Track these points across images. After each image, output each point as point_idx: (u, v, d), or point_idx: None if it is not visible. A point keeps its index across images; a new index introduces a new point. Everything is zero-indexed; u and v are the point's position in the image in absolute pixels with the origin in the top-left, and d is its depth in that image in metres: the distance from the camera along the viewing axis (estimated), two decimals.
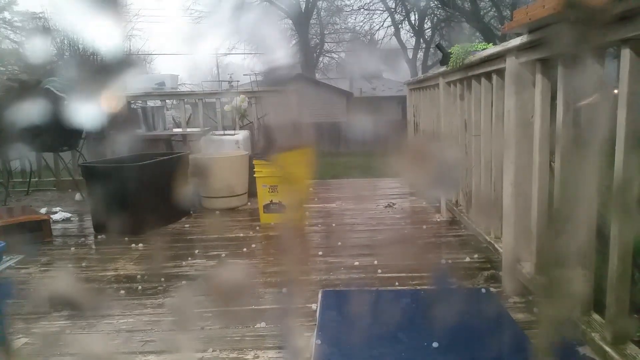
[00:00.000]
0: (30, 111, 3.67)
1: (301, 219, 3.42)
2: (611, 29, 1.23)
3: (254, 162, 3.46)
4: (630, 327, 1.29)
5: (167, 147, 5.17)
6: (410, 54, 21.71)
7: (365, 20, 21.90)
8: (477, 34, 15.29)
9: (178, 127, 5.60)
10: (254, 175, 3.43)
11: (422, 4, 18.89)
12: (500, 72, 2.11)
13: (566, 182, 1.55)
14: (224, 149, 4.24)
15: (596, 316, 1.43)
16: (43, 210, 3.81)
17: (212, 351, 1.61)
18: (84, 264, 2.61)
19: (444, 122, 3.21)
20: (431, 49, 20.37)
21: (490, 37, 13.48)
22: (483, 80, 2.35)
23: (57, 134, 4.02)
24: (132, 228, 3.06)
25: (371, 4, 21.02)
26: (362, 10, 21.31)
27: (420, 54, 21.61)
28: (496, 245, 2.21)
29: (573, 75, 1.52)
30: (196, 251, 2.74)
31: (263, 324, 1.78)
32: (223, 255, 2.66)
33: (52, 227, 3.20)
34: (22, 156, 5.02)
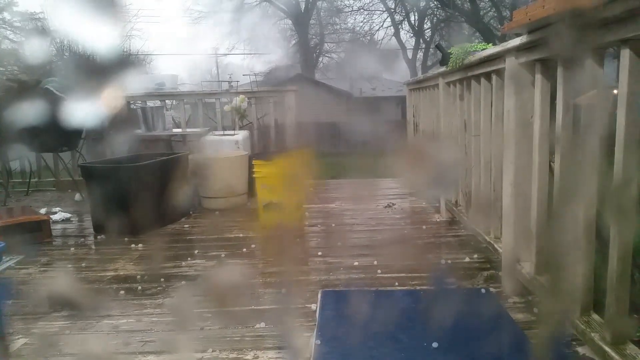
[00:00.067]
0: (29, 111, 3.67)
1: (300, 219, 3.42)
2: (611, 29, 1.23)
3: (254, 162, 3.46)
4: (630, 327, 1.29)
5: (166, 147, 5.17)
6: (409, 54, 21.71)
7: (365, 20, 21.91)
8: (477, 34, 15.30)
9: (178, 127, 5.60)
10: (253, 176, 3.43)
11: (422, 4, 18.89)
12: (500, 73, 2.11)
13: (566, 182, 1.55)
14: (223, 149, 4.24)
15: (596, 316, 1.43)
16: (43, 211, 3.81)
17: (212, 351, 1.61)
18: (83, 264, 2.61)
19: (444, 122, 3.21)
20: (431, 49, 20.38)
21: (489, 37, 13.47)
22: (483, 80, 2.35)
23: (57, 134, 4.01)
24: (131, 228, 3.06)
25: (371, 4, 21.04)
26: (361, 10, 21.33)
27: (420, 54, 21.62)
28: (496, 246, 2.21)
29: (573, 75, 1.52)
30: (196, 251, 2.74)
31: (263, 324, 1.77)
32: (222, 255, 2.66)
33: (51, 228, 3.20)
34: (21, 156, 5.02)
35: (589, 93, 1.36)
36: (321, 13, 23.28)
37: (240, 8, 21.69)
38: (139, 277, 2.35)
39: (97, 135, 4.50)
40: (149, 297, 2.09)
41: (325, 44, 24.07)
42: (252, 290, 2.13)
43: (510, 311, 1.81)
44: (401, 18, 21.14)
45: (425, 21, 20.78)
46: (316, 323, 1.75)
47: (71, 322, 1.86)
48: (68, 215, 3.74)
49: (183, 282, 2.27)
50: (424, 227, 3.16)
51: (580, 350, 1.47)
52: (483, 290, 2.02)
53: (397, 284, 2.14)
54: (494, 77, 2.20)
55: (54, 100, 3.77)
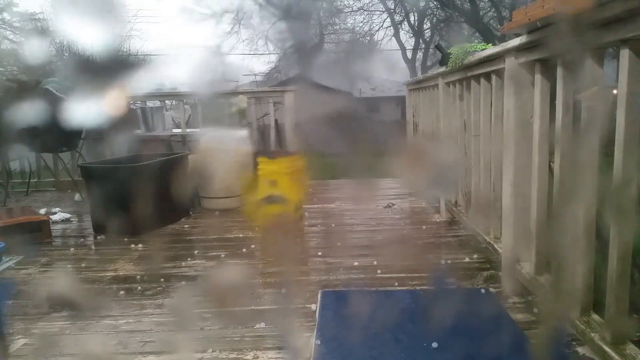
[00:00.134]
0: (29, 112, 3.67)
1: (300, 219, 3.41)
2: (611, 29, 1.23)
3: (259, 158, 3.44)
4: (630, 327, 1.29)
5: (166, 147, 5.17)
6: (409, 55, 21.71)
7: (365, 21, 21.90)
8: (476, 34, 15.29)
9: (177, 127, 5.59)
10: (257, 172, 3.41)
11: (422, 4, 18.89)
12: (500, 73, 2.11)
13: (565, 182, 1.55)
14: (224, 148, 4.23)
15: (595, 316, 1.43)
16: (42, 211, 3.81)
17: (212, 351, 1.61)
18: (83, 265, 2.61)
19: (444, 122, 3.21)
20: (430, 50, 20.38)
21: (489, 37, 13.47)
22: (482, 80, 2.35)
23: (56, 135, 4.01)
24: (131, 228, 3.06)
25: (370, 4, 21.03)
26: (361, 11, 21.32)
27: (420, 55, 21.61)
28: (495, 246, 2.21)
29: (572, 75, 1.52)
30: (195, 252, 2.74)
31: (262, 325, 1.77)
32: (222, 255, 2.66)
33: (51, 228, 3.20)
34: (21, 157, 5.02)
35: (591, 89, 1.36)
36: (321, 13, 23.28)
37: (240, 8, 21.69)
38: (138, 277, 2.35)
39: (97, 135, 4.50)
40: (149, 298, 2.09)
41: (325, 44, 24.07)
42: (252, 290, 2.13)
43: (510, 311, 1.81)
44: (401, 18, 21.14)
45: (425, 21, 20.78)
46: (316, 323, 1.75)
47: (71, 322, 1.86)
48: (68, 215, 3.74)
49: (183, 283, 2.27)
50: (424, 227, 3.16)
51: (580, 350, 1.47)
52: (483, 291, 2.02)
53: (396, 284, 2.14)
54: (493, 77, 2.20)
55: (53, 101, 3.77)
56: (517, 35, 1.77)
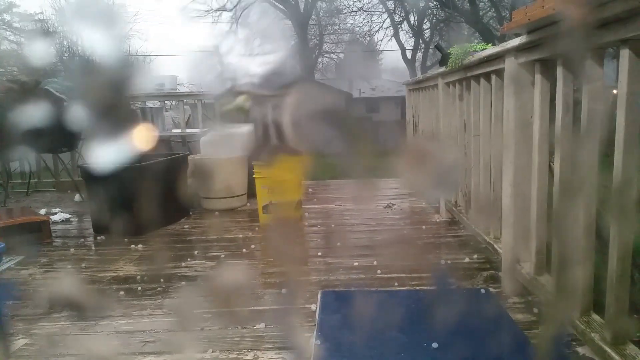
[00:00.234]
0: (29, 112, 3.67)
1: (300, 219, 3.42)
2: (611, 29, 1.23)
3: (253, 163, 3.47)
4: (630, 327, 1.29)
5: (166, 148, 5.17)
6: (409, 55, 21.71)
7: (365, 21, 21.90)
8: (476, 34, 15.30)
9: (177, 128, 5.60)
10: (253, 177, 3.43)
11: (422, 4, 18.88)
12: (500, 73, 2.11)
13: (565, 182, 1.55)
14: (223, 148, 4.23)
15: (596, 316, 1.43)
16: (42, 212, 3.81)
17: (212, 352, 1.61)
18: (83, 265, 2.61)
19: (443, 122, 3.21)
20: (430, 50, 20.38)
21: (489, 37, 13.47)
22: (482, 80, 2.36)
23: (57, 135, 4.01)
24: (131, 229, 3.06)
25: (369, 4, 21.02)
26: (360, 11, 21.32)
27: (419, 55, 21.61)
28: (495, 246, 2.21)
29: (572, 75, 1.53)
30: (195, 252, 2.74)
31: (263, 325, 1.77)
32: (222, 256, 2.66)
33: (51, 228, 3.20)
34: (21, 157, 5.02)
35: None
36: (320, 13, 23.29)
37: (239, 8, 21.70)
38: (138, 277, 2.35)
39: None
40: (149, 298, 2.09)
41: (325, 45, 24.08)
42: (252, 290, 2.13)
43: (510, 311, 1.81)
44: (400, 19, 21.14)
45: (425, 21, 20.78)
46: (316, 323, 1.75)
47: (71, 322, 1.86)
48: (68, 216, 3.74)
49: (183, 283, 2.27)
50: (424, 227, 3.16)
51: (580, 350, 1.47)
52: (483, 291, 2.02)
53: (396, 284, 2.14)
54: (493, 77, 2.20)
55: (53, 101, 3.77)
56: (517, 35, 1.77)
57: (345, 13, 22.04)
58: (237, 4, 21.40)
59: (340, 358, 1.54)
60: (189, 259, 2.60)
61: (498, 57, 2.06)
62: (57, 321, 1.89)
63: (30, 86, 3.97)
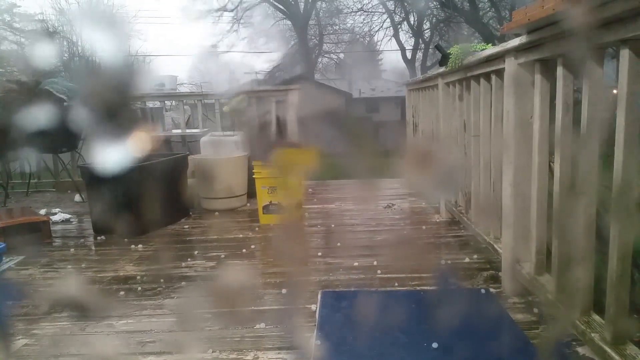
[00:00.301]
0: (29, 112, 3.67)
1: (300, 219, 3.42)
2: (611, 29, 1.23)
3: (253, 163, 3.47)
4: (630, 327, 1.29)
5: (166, 148, 5.17)
6: (409, 55, 21.72)
7: (365, 21, 21.91)
8: (476, 34, 15.30)
9: (177, 128, 5.60)
10: (253, 177, 3.44)
11: (422, 4, 18.88)
12: (500, 73, 2.11)
13: (565, 182, 1.55)
14: (223, 149, 4.24)
15: (596, 316, 1.43)
16: (42, 212, 3.81)
17: (212, 352, 1.61)
18: (83, 265, 2.61)
19: (443, 122, 3.21)
20: (430, 50, 20.38)
21: (489, 37, 13.48)
22: (482, 80, 2.35)
23: (57, 135, 4.01)
24: (131, 229, 3.06)
25: (369, 3, 21.03)
26: (360, 12, 21.33)
27: (419, 55, 21.62)
28: (495, 246, 2.21)
29: (572, 75, 1.53)
30: (195, 252, 2.74)
31: (263, 325, 1.77)
32: (222, 256, 2.66)
33: (51, 229, 3.20)
34: (21, 157, 5.02)
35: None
36: (320, 14, 23.30)
37: (239, 8, 21.73)
38: (138, 278, 2.35)
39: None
40: (149, 298, 2.09)
41: (325, 45, 24.09)
42: (252, 290, 2.13)
43: (510, 311, 1.81)
44: (400, 19, 21.15)
45: (425, 22, 20.78)
46: (316, 323, 1.75)
47: (71, 323, 1.86)
48: (68, 216, 3.74)
49: (183, 283, 2.27)
50: (424, 227, 3.16)
51: (581, 350, 1.47)
52: (483, 291, 2.02)
53: (396, 284, 2.14)
54: (493, 77, 2.20)
55: (53, 101, 3.77)
56: (517, 35, 1.77)
57: (345, 13, 22.05)
58: (238, 5, 21.42)
59: (340, 358, 1.54)
60: (189, 259, 2.60)
61: (498, 57, 2.06)
62: (57, 321, 1.89)
63: (30, 86, 3.97)
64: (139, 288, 2.20)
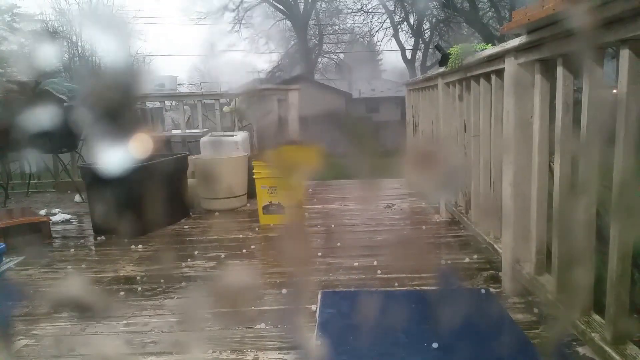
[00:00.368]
0: (29, 113, 3.67)
1: (300, 219, 3.42)
2: (610, 29, 1.23)
3: (254, 163, 3.47)
4: (630, 327, 1.29)
5: (166, 148, 5.17)
6: (409, 55, 21.72)
7: (365, 22, 21.91)
8: (476, 34, 15.30)
9: (177, 128, 5.60)
10: (253, 177, 3.44)
11: (422, 5, 18.88)
12: (499, 73, 2.11)
13: (565, 182, 1.55)
14: (223, 150, 4.24)
15: (596, 316, 1.43)
16: (42, 212, 3.81)
17: (212, 352, 1.61)
18: (83, 266, 2.61)
19: (443, 122, 3.21)
20: (430, 50, 20.38)
21: (489, 37, 13.48)
22: (482, 80, 2.36)
23: (57, 136, 4.01)
24: (131, 229, 3.06)
25: (368, 4, 21.03)
26: (360, 12, 21.33)
27: (419, 55, 21.62)
28: (495, 246, 2.21)
29: (572, 75, 1.53)
30: (195, 252, 2.74)
31: (263, 325, 1.78)
32: (222, 256, 2.66)
33: (51, 229, 3.20)
34: (21, 158, 5.02)
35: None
36: (320, 14, 23.31)
37: (239, 9, 21.74)
38: (138, 278, 2.35)
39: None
40: (149, 298, 2.09)
41: (325, 45, 24.10)
42: (252, 291, 2.13)
43: (510, 311, 1.81)
44: (400, 19, 21.15)
45: (425, 22, 20.79)
46: (316, 323, 1.75)
47: (71, 323, 1.86)
48: (68, 216, 3.74)
49: (183, 283, 2.27)
50: (424, 227, 3.16)
51: (581, 350, 1.47)
52: (483, 291, 2.02)
53: (396, 284, 2.14)
54: (493, 77, 2.20)
55: (53, 102, 3.77)
56: (517, 35, 1.77)
57: (345, 13, 22.06)
58: (239, 5, 21.43)
59: (340, 358, 1.54)
60: (189, 260, 2.60)
61: (498, 57, 2.06)
62: (57, 322, 1.89)
63: (30, 87, 3.97)
64: (139, 288, 2.20)
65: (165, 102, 5.85)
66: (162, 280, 2.28)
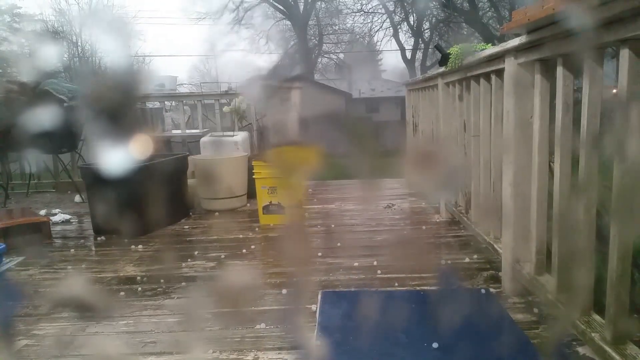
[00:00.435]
0: (29, 113, 3.67)
1: (300, 219, 3.42)
2: (610, 29, 1.23)
3: (253, 163, 3.47)
4: (630, 327, 1.29)
5: (166, 148, 5.18)
6: (408, 55, 21.73)
7: (365, 22, 21.91)
8: (476, 34, 15.30)
9: (177, 128, 5.60)
10: (253, 177, 3.44)
11: (422, 5, 18.88)
12: (499, 73, 2.11)
13: (565, 182, 1.55)
14: (223, 150, 4.24)
15: (596, 316, 1.43)
16: (42, 212, 3.81)
17: (212, 352, 1.61)
18: (83, 266, 2.61)
19: (443, 122, 3.21)
20: (430, 50, 20.38)
21: (489, 37, 13.48)
22: (482, 80, 2.36)
23: (56, 136, 4.01)
24: (131, 229, 3.06)
25: (368, 4, 21.02)
26: (360, 12, 21.33)
27: (419, 55, 21.62)
28: (495, 246, 2.21)
29: (572, 75, 1.53)
30: (196, 252, 2.74)
31: (263, 325, 1.78)
32: (222, 256, 2.66)
33: (51, 229, 3.20)
34: (21, 158, 5.02)
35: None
36: (320, 14, 23.31)
37: (239, 9, 21.75)
38: (138, 278, 2.35)
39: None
40: (149, 299, 2.09)
41: (325, 45, 24.10)
42: (252, 291, 2.13)
43: (510, 311, 1.81)
44: (400, 19, 21.15)
45: (424, 22, 20.79)
46: (316, 323, 1.75)
47: (72, 323, 1.86)
48: (68, 216, 3.74)
49: (183, 283, 2.27)
50: (424, 227, 3.16)
51: (581, 350, 1.47)
52: (483, 291, 2.02)
53: (396, 284, 2.14)
54: (493, 77, 2.20)
55: (53, 102, 3.77)
56: (517, 35, 1.77)
57: (345, 14, 22.06)
58: (239, 5, 21.44)
59: (340, 358, 1.54)
60: (189, 260, 2.60)
61: (498, 57, 2.06)
62: (57, 322, 1.89)
63: (30, 87, 3.97)
64: (139, 288, 2.20)
65: (165, 102, 5.85)
66: (162, 281, 2.28)
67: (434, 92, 3.49)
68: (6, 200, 4.46)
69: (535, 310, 1.81)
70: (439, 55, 2.84)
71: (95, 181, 3.29)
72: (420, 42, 21.30)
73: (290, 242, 2.83)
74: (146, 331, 1.78)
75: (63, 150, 4.54)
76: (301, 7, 22.62)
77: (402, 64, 21.91)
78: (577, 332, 1.44)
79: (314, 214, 3.66)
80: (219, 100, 4.98)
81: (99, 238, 3.17)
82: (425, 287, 2.13)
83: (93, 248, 3.03)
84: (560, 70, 1.55)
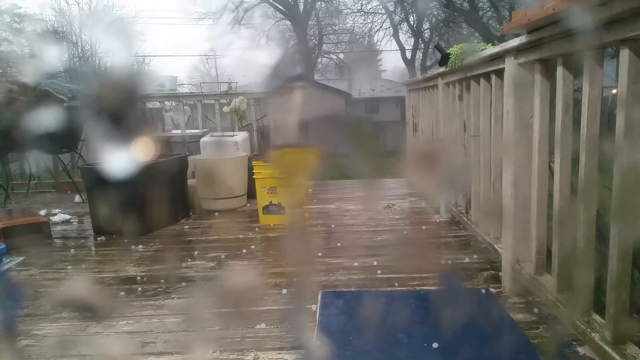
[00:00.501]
0: (29, 113, 3.67)
1: (300, 219, 3.42)
2: (610, 29, 1.23)
3: (253, 163, 3.47)
4: (630, 327, 1.29)
5: (166, 148, 5.18)
6: (408, 55, 21.71)
7: (365, 22, 21.90)
8: (476, 34, 15.30)
9: (177, 128, 5.60)
10: (253, 177, 3.44)
11: (422, 5, 18.87)
12: (499, 73, 2.11)
13: (565, 182, 1.56)
14: (223, 150, 4.24)
15: (596, 316, 1.43)
16: (42, 212, 3.81)
17: (212, 352, 1.61)
18: (83, 266, 2.61)
19: (443, 122, 3.21)
20: (430, 50, 20.37)
21: (489, 37, 13.48)
22: (482, 81, 2.36)
23: (57, 136, 4.01)
24: (131, 230, 3.06)
25: (367, 4, 21.01)
26: (360, 12, 21.32)
27: (419, 55, 21.61)
28: (495, 246, 2.21)
29: (572, 75, 1.53)
30: (196, 252, 2.74)
31: (263, 325, 1.78)
32: (222, 256, 2.66)
33: (51, 229, 3.20)
34: (21, 158, 5.02)
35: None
36: (320, 14, 23.30)
37: (239, 9, 21.75)
38: (139, 278, 2.35)
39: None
40: (149, 299, 2.09)
41: (324, 45, 24.09)
42: (252, 291, 2.13)
43: (511, 311, 1.81)
44: (400, 19, 21.14)
45: (424, 22, 20.78)
46: (316, 324, 1.75)
47: (72, 323, 1.86)
48: (68, 216, 3.74)
49: (183, 284, 2.27)
50: (424, 227, 3.16)
51: (581, 350, 1.47)
52: (483, 291, 2.02)
53: (397, 284, 2.14)
54: (493, 77, 2.20)
55: (53, 102, 3.77)
56: (517, 35, 1.77)
57: (345, 14, 22.05)
58: (239, 5, 21.44)
59: (340, 358, 1.54)
60: (189, 260, 2.60)
61: (498, 57, 2.06)
62: (57, 322, 1.89)
63: (30, 87, 3.97)
64: (139, 288, 2.20)
65: (165, 102, 5.86)
66: (162, 281, 2.28)
67: (434, 92, 3.49)
68: (6, 200, 4.46)
69: (535, 310, 1.81)
70: (439, 55, 2.84)
71: (95, 181, 3.29)
72: (420, 42, 21.28)
73: (290, 242, 2.83)
74: (146, 331, 1.78)
75: (63, 150, 4.54)
76: (301, 7, 22.61)
77: (402, 64, 21.90)
78: (577, 332, 1.45)
79: (314, 214, 3.65)
80: (219, 100, 4.99)
81: (99, 238, 3.17)
82: (426, 287, 2.13)
83: (93, 248, 3.03)
84: (560, 71, 1.55)
